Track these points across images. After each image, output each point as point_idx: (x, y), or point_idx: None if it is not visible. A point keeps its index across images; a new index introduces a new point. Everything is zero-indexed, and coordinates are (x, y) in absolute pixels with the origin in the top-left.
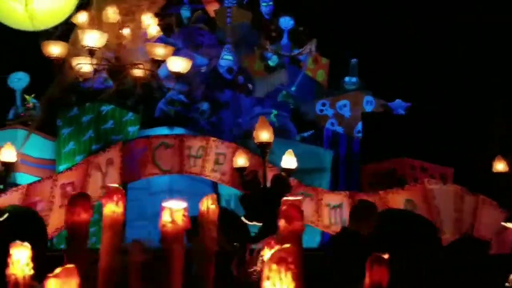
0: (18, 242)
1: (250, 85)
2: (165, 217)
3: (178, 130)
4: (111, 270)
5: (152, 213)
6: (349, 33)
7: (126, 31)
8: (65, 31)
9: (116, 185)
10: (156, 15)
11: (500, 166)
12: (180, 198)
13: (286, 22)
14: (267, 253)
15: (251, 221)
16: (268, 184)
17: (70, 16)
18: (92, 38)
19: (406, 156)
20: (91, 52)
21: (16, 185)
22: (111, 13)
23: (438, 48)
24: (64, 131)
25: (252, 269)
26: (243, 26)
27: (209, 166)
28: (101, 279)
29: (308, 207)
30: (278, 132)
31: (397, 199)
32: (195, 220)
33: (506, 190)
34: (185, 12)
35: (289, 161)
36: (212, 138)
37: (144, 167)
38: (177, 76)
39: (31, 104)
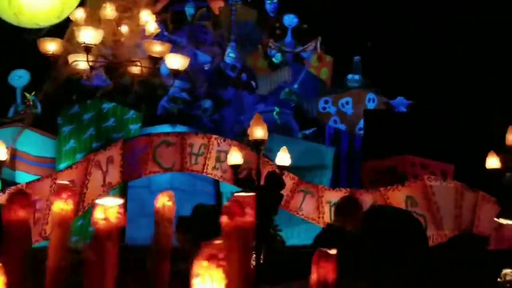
0: None
1: (253, 83)
2: (98, 214)
3: (180, 128)
4: (60, 269)
5: (153, 211)
6: (350, 31)
7: (124, 28)
8: (55, 27)
9: (66, 182)
10: (159, 12)
11: (492, 162)
12: (182, 196)
13: (290, 20)
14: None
15: None
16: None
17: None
18: (88, 35)
19: (407, 153)
20: (87, 49)
21: (15, 183)
22: (108, 10)
23: (438, 47)
24: (65, 129)
25: None
26: (247, 24)
27: (211, 164)
28: (49, 278)
29: (309, 205)
30: (281, 129)
31: (398, 196)
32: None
33: (499, 186)
34: (189, 9)
35: (283, 158)
36: (214, 136)
37: (145, 165)
38: (176, 74)
39: (31, 102)
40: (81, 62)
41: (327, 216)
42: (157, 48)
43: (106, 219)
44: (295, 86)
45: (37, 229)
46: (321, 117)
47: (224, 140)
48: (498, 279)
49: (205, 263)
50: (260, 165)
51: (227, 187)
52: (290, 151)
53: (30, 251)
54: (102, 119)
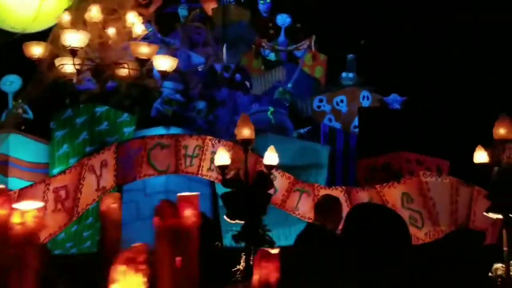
0: None
1: (247, 83)
2: (15, 219)
3: (175, 130)
4: None
5: (149, 214)
6: (345, 29)
7: (110, 30)
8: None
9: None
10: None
11: (481, 156)
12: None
13: (283, 19)
14: None
15: (233, 219)
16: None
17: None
18: (74, 38)
19: (402, 150)
20: (73, 52)
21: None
22: (94, 12)
23: (432, 44)
24: (58, 134)
25: (236, 268)
26: (241, 24)
27: (206, 166)
28: None
29: (305, 204)
30: (275, 129)
31: (394, 193)
32: None
33: (487, 181)
34: (182, 11)
35: (270, 157)
36: (209, 137)
37: (139, 168)
38: (164, 75)
39: (20, 110)
40: (67, 65)
41: None
42: (143, 50)
43: (23, 223)
44: (289, 85)
45: None
46: (316, 116)
47: (219, 141)
48: (490, 274)
49: (122, 268)
50: (247, 165)
51: (223, 189)
52: (285, 151)
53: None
54: (95, 123)
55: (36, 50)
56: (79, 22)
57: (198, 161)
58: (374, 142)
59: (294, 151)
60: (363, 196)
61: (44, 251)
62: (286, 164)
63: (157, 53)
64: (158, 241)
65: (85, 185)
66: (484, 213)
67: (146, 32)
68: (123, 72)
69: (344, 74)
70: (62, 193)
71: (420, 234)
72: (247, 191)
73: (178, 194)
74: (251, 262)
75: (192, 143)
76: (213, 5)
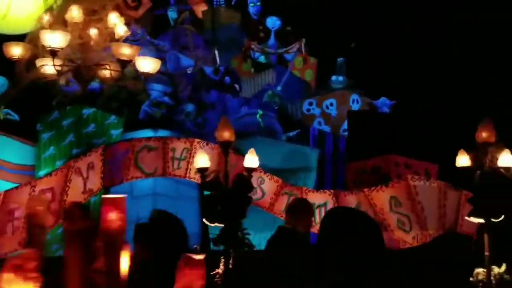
0: None
1: (237, 86)
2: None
3: (163, 133)
4: None
5: (136, 217)
6: (340, 32)
7: (92, 31)
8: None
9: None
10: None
11: (463, 160)
12: (165, 201)
13: (273, 22)
14: None
15: (212, 223)
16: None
17: None
18: (54, 39)
19: (392, 153)
20: (53, 53)
21: None
22: (74, 13)
23: (433, 45)
24: (44, 136)
25: (215, 272)
26: (231, 27)
27: (194, 168)
28: None
29: None
30: (264, 132)
31: (382, 197)
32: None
33: (470, 185)
34: (172, 13)
35: (251, 160)
36: (196, 140)
37: (126, 170)
38: (147, 76)
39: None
40: (48, 66)
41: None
42: (125, 51)
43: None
44: (279, 88)
45: (15, 238)
46: (306, 119)
47: (207, 144)
48: (471, 279)
49: (10, 276)
50: (227, 167)
51: None
52: (274, 154)
53: None
54: (82, 125)
55: (16, 50)
56: (59, 22)
57: (186, 164)
58: (363, 146)
59: (283, 154)
60: (351, 199)
61: None
62: (275, 167)
63: (146, 55)
64: (67, 246)
65: (71, 187)
66: (466, 218)
67: (129, 33)
68: (105, 73)
69: (334, 78)
70: (48, 195)
71: (408, 238)
72: (226, 194)
73: (103, 196)
74: (230, 266)
75: (180, 145)
76: (203, 7)
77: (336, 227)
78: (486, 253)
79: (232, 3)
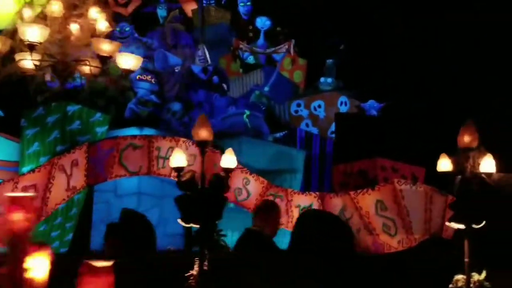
0: None
1: (224, 85)
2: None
3: (148, 131)
4: None
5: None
6: (334, 31)
7: (74, 27)
8: None
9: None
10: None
11: (444, 165)
12: (149, 200)
13: (262, 22)
14: None
15: (188, 223)
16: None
17: None
18: (33, 33)
19: (379, 156)
20: (31, 47)
21: None
22: (54, 7)
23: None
24: (29, 132)
25: (189, 273)
26: (221, 26)
27: None
28: None
29: None
30: (251, 132)
31: (367, 200)
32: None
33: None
34: (161, 11)
35: (228, 159)
36: (182, 139)
37: (110, 168)
38: (127, 73)
39: None
40: (27, 61)
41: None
42: (105, 46)
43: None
44: (266, 88)
45: None
46: (293, 120)
47: (193, 143)
48: (450, 285)
49: None
50: (203, 167)
51: None
52: (260, 154)
53: None
54: (67, 122)
55: None
56: (40, 16)
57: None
58: (351, 148)
59: (269, 155)
60: (336, 202)
61: None
62: (261, 168)
63: (134, 53)
64: None
65: (54, 184)
66: (446, 223)
67: (111, 29)
68: (85, 69)
69: (322, 79)
70: (31, 192)
71: (393, 242)
72: (202, 194)
73: (7, 194)
74: (204, 267)
75: (165, 144)
76: (193, 6)
77: (306, 231)
78: (466, 260)
79: (222, 2)
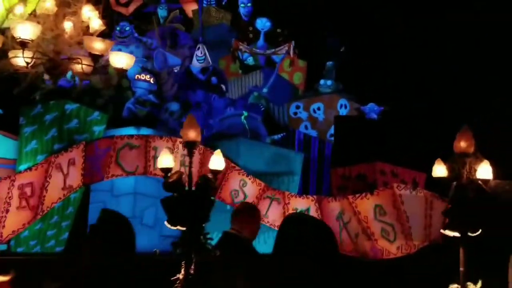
0: None
1: (223, 86)
2: None
3: (145, 131)
4: None
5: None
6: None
7: (67, 25)
8: None
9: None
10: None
11: (440, 171)
12: (145, 200)
13: (262, 23)
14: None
15: (175, 226)
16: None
17: None
18: (25, 30)
19: (379, 160)
20: (23, 44)
21: None
22: (47, 4)
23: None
24: (27, 130)
25: (175, 277)
26: (221, 27)
27: (175, 168)
28: None
29: (275, 211)
30: (249, 134)
31: (366, 204)
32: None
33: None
34: (162, 11)
35: (217, 161)
36: (179, 139)
37: (107, 168)
38: (120, 72)
39: None
40: (20, 58)
41: None
42: (97, 45)
43: None
44: (264, 90)
45: None
46: (292, 123)
47: None
48: None
49: None
50: (191, 169)
51: None
52: (257, 156)
53: None
54: (65, 120)
55: None
56: (32, 14)
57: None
58: (350, 152)
59: (267, 157)
60: (334, 206)
61: None
62: (258, 170)
63: (134, 52)
64: None
65: (51, 183)
66: (441, 231)
67: (104, 27)
68: (78, 67)
69: (322, 81)
70: (28, 190)
71: (392, 248)
72: (189, 196)
73: None
74: (191, 271)
75: (162, 144)
76: (193, 6)
77: (289, 236)
78: (461, 268)
79: (223, 3)
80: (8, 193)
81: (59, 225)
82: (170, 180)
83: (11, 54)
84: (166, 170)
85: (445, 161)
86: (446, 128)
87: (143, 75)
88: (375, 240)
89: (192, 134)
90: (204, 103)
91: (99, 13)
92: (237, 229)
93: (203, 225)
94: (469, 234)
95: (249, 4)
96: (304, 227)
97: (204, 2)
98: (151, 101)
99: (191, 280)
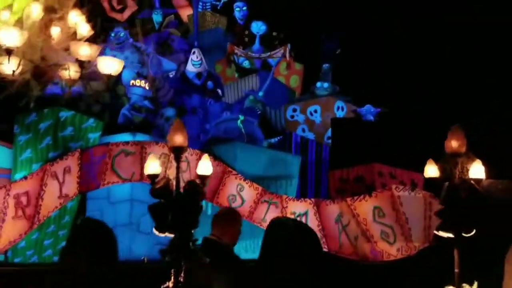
0: None
1: (219, 91)
2: None
3: (141, 137)
4: None
5: (112, 223)
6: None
7: (52, 31)
8: None
9: None
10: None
11: (431, 171)
12: (142, 207)
13: (258, 27)
14: None
15: (163, 232)
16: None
17: None
18: (10, 36)
19: (377, 162)
20: (9, 51)
21: None
22: (33, 10)
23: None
24: (21, 138)
25: (165, 285)
26: (217, 31)
27: (172, 174)
28: None
29: (272, 216)
30: (245, 138)
31: (365, 206)
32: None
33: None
34: (157, 17)
35: (204, 166)
36: None
37: (103, 175)
38: (109, 78)
39: None
40: (6, 65)
41: None
42: (84, 50)
43: None
44: (260, 93)
45: None
46: (289, 126)
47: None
48: None
49: None
50: (179, 175)
51: None
52: (254, 160)
53: None
54: (60, 128)
55: None
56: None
57: (164, 169)
58: (348, 154)
59: (264, 161)
60: (333, 209)
61: None
62: (255, 174)
63: (129, 58)
64: None
65: (47, 191)
66: (435, 232)
67: (92, 32)
68: (65, 74)
69: (319, 84)
70: (23, 199)
71: (392, 250)
72: (176, 202)
73: None
74: (180, 279)
75: (157, 150)
76: (189, 11)
77: (274, 241)
78: (456, 270)
79: (218, 7)
80: (4, 202)
81: (56, 234)
82: (157, 186)
83: None
84: (153, 176)
85: (437, 161)
86: (444, 129)
87: (138, 81)
88: (375, 242)
89: (179, 139)
90: (200, 108)
91: (87, 17)
92: (218, 234)
93: (192, 231)
94: (463, 235)
95: (244, 8)
96: (288, 230)
97: (200, 6)
98: (147, 107)
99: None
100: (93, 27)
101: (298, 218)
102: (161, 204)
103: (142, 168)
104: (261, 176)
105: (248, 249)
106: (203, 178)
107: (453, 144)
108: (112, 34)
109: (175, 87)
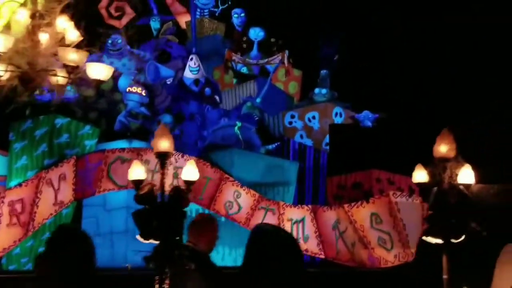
0: None
1: (217, 97)
2: None
3: (137, 144)
4: None
5: (108, 230)
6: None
7: (43, 36)
8: None
9: None
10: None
11: (420, 176)
12: None
13: (256, 33)
14: None
15: (147, 239)
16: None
17: None
18: None
19: (375, 168)
20: None
21: None
22: (20, 15)
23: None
24: (17, 145)
25: None
26: (215, 38)
27: (168, 181)
28: None
29: (270, 222)
30: (243, 144)
31: (362, 213)
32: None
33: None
34: (154, 23)
35: (190, 172)
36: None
37: (99, 182)
38: (98, 84)
39: None
40: None
41: None
42: (72, 56)
43: None
44: (258, 100)
45: None
46: (287, 132)
47: (182, 156)
48: None
49: None
50: (162, 180)
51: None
52: (252, 167)
53: None
54: (55, 135)
55: None
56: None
57: (160, 176)
58: (345, 160)
59: (261, 168)
60: (330, 215)
61: None
62: (253, 180)
63: (126, 65)
64: None
65: (42, 199)
66: (423, 238)
67: (81, 38)
68: (55, 80)
69: (317, 90)
70: (18, 206)
71: (389, 257)
72: (161, 208)
73: None
74: (165, 286)
75: (154, 157)
76: (187, 18)
77: (256, 251)
78: (445, 276)
79: (216, 14)
80: None
81: None
82: (141, 192)
83: None
84: (137, 182)
85: (426, 166)
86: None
87: (135, 87)
88: (372, 248)
89: (164, 145)
90: (197, 114)
91: (80, 23)
92: (193, 241)
93: (177, 238)
94: (452, 240)
95: (242, 15)
96: (269, 237)
97: (198, 13)
98: (143, 113)
99: None
100: (86, 33)
101: (295, 225)
102: (145, 210)
103: None
104: (259, 183)
105: None
106: (188, 183)
107: (442, 149)
108: (110, 41)
109: (172, 94)
